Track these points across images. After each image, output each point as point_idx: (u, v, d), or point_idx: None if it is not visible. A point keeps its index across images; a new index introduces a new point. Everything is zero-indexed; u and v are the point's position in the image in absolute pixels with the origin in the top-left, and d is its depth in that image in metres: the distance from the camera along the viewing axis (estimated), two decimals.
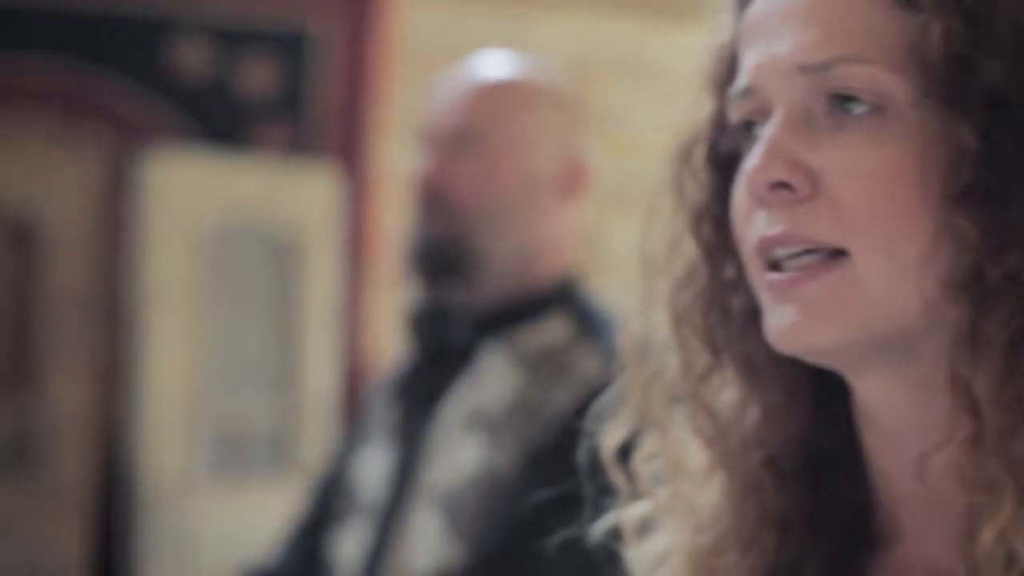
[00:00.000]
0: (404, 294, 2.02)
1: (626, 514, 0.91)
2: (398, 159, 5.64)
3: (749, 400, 0.87)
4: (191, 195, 5.09)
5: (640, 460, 0.91)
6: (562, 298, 1.90)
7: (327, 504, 1.98)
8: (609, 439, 0.90)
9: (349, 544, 1.89)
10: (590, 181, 1.93)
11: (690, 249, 0.87)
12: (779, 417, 0.86)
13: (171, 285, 5.04)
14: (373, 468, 1.90)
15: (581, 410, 1.68)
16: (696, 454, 0.88)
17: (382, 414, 1.96)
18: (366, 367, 5.56)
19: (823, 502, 0.86)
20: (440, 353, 1.93)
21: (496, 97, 1.93)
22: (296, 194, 5.38)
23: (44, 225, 5.19)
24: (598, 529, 0.93)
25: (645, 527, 0.91)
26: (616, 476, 0.92)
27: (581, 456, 0.96)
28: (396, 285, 5.59)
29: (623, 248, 4.71)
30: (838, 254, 0.79)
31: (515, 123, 1.91)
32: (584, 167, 1.92)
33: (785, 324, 0.80)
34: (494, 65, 2.00)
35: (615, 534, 0.92)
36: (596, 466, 0.95)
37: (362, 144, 5.60)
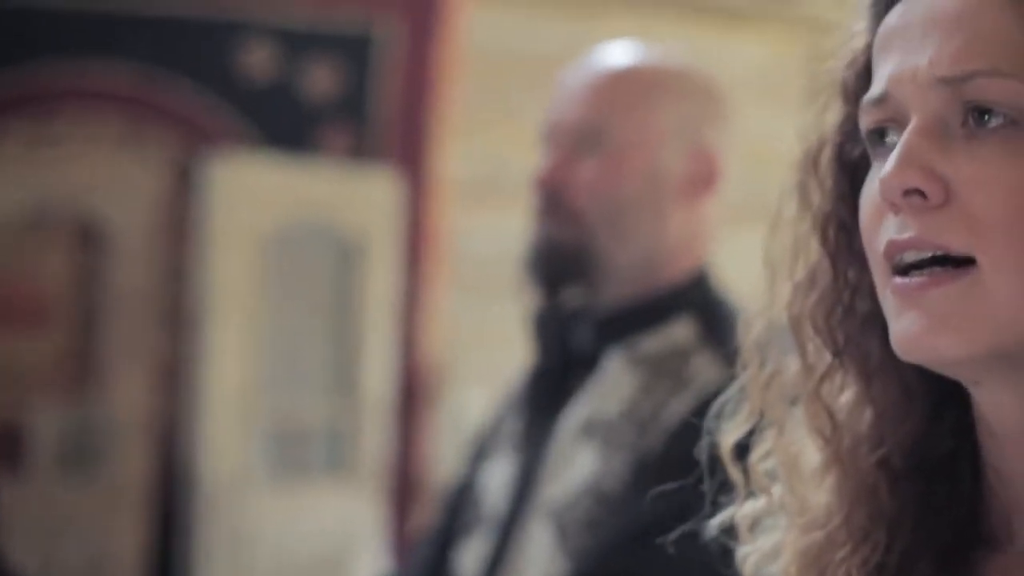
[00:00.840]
0: (527, 301, 1.89)
1: (741, 511, 0.93)
2: (459, 162, 5.66)
3: (866, 401, 0.88)
4: (254, 198, 5.12)
5: (756, 458, 0.93)
6: (689, 301, 1.79)
7: (455, 516, 1.92)
8: (727, 437, 0.92)
9: (470, 557, 1.83)
10: (723, 175, 1.80)
11: (814, 252, 0.88)
12: (895, 418, 0.87)
13: (233, 287, 5.08)
14: (496, 479, 1.83)
15: (695, 419, 1.66)
16: (811, 453, 0.89)
17: (509, 424, 1.88)
18: (424, 369, 5.59)
19: (934, 502, 0.87)
20: (563, 360, 1.83)
21: (617, 90, 1.79)
22: (358, 197, 5.40)
23: (110, 227, 5.24)
24: (714, 525, 0.96)
25: (758, 525, 0.93)
26: (733, 473, 0.94)
27: (699, 454, 0.97)
28: (451, 289, 5.62)
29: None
30: (966, 263, 0.80)
31: (639, 118, 1.78)
32: (716, 161, 1.80)
33: (912, 331, 0.81)
34: (617, 55, 1.86)
35: (729, 531, 0.95)
36: (714, 465, 0.96)
37: (424, 147, 5.61)
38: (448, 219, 5.68)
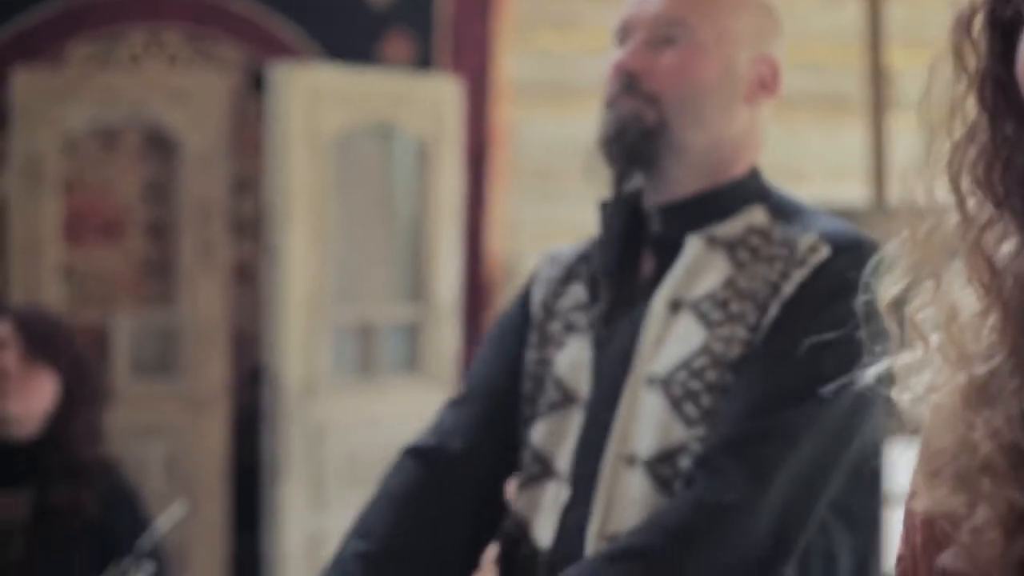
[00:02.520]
0: (597, 189, 1.96)
1: (900, 360, 0.97)
2: (520, 66, 5.72)
3: None
4: (321, 105, 5.16)
5: (914, 309, 0.94)
6: (756, 192, 1.91)
7: (514, 396, 1.98)
8: (887, 289, 0.95)
9: (558, 434, 1.91)
10: (781, 83, 1.92)
11: (971, 110, 0.90)
12: None
13: (302, 193, 5.14)
14: (576, 361, 1.92)
15: (800, 287, 1.78)
16: (970, 303, 0.91)
17: (569, 309, 1.96)
18: (490, 268, 5.68)
19: None
20: (633, 249, 1.93)
21: None
22: (421, 102, 5.43)
23: (180, 137, 5.30)
24: (871, 374, 0.99)
25: (913, 372, 0.96)
26: (891, 324, 0.97)
27: (857, 307, 1.03)
28: (514, 191, 5.69)
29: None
30: None
31: (718, 19, 1.89)
32: (777, 69, 1.92)
33: None
34: None
35: (885, 381, 0.98)
36: (869, 318, 1.02)
37: (485, 52, 5.65)
38: (509, 122, 5.74)
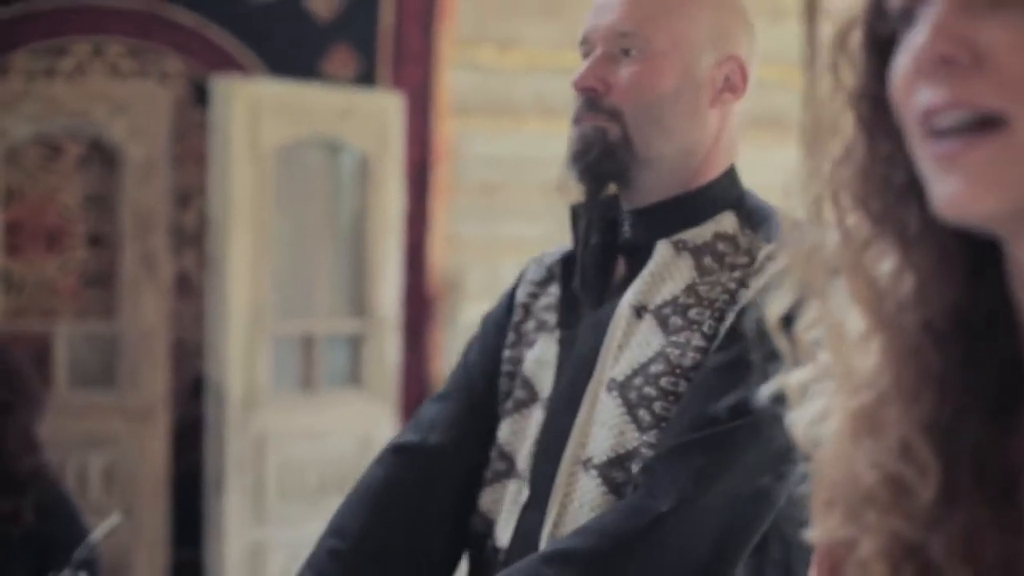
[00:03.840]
0: (573, 197, 1.96)
1: (789, 379, 0.95)
2: (462, 83, 5.74)
3: (906, 268, 0.89)
4: (262, 119, 5.17)
5: (802, 327, 0.94)
6: (727, 197, 1.90)
7: (487, 393, 2.00)
8: (774, 308, 0.94)
9: (522, 431, 1.93)
10: (749, 82, 1.90)
11: (848, 127, 0.90)
12: (935, 282, 0.89)
13: (243, 206, 5.15)
14: (543, 361, 1.93)
15: (756, 296, 1.76)
16: (855, 321, 0.91)
17: (542, 312, 1.99)
18: (432, 283, 5.70)
19: (978, 360, 0.89)
20: (607, 253, 1.93)
21: (656, 1, 1.90)
22: (364, 118, 5.45)
23: (123, 148, 5.30)
24: (764, 394, 0.99)
25: (806, 391, 0.95)
26: (780, 342, 0.96)
27: (748, 327, 1.02)
28: (455, 207, 5.71)
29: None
30: (999, 124, 0.83)
31: (675, 26, 1.88)
32: (746, 69, 1.90)
33: (952, 193, 0.83)
34: None
35: (780, 399, 0.97)
36: (762, 336, 1.00)
37: (427, 68, 5.67)
38: (451, 138, 5.77)
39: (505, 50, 5.75)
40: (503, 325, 2.03)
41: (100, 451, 5.16)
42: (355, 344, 5.50)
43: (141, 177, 5.29)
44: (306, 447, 5.24)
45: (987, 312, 0.89)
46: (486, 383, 2.01)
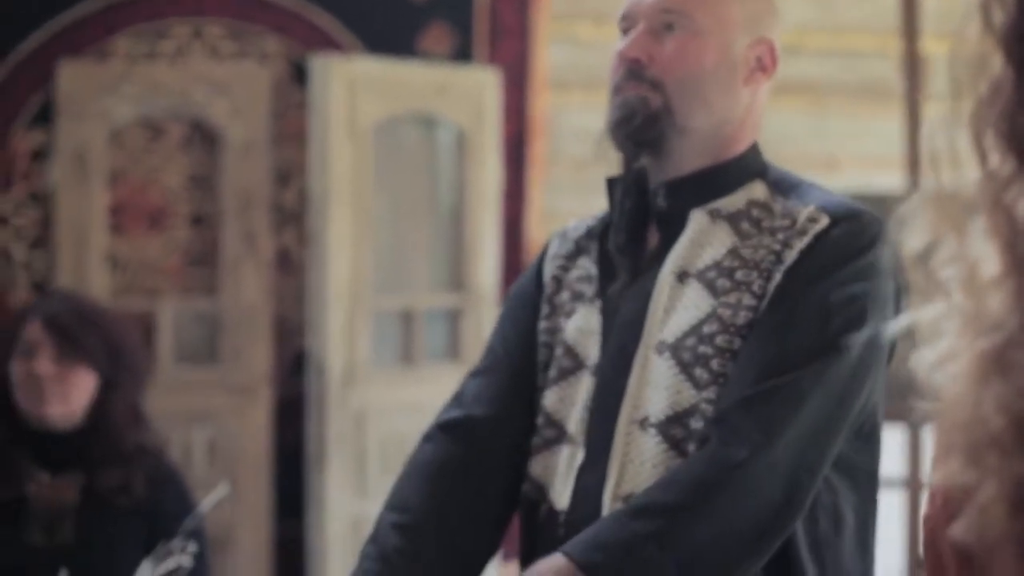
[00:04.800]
0: (609, 167, 2.06)
1: (920, 314, 0.94)
2: (557, 58, 5.76)
3: None
4: (360, 97, 5.21)
5: (936, 264, 0.93)
6: (756, 168, 2.01)
7: (526, 363, 2.08)
8: (911, 241, 0.93)
9: (570, 397, 2.01)
10: (777, 65, 2.03)
11: (996, 66, 0.90)
12: None
13: (343, 184, 5.19)
14: (585, 329, 2.02)
15: (802, 254, 1.88)
16: (990, 260, 0.90)
17: (576, 282, 2.07)
18: (528, 256, 5.72)
19: None
20: (639, 224, 2.02)
21: None
22: (461, 94, 5.48)
23: (224, 128, 5.36)
24: (893, 328, 1.02)
25: (935, 329, 0.94)
26: (915, 277, 0.96)
27: (885, 258, 1.04)
28: (551, 181, 5.73)
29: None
30: None
31: (717, 7, 1.99)
32: (775, 52, 2.02)
33: None
34: None
35: (906, 335, 0.98)
36: (894, 270, 1.04)
37: (523, 44, 5.68)
38: (547, 112, 5.78)
39: (600, 24, 5.76)
40: (534, 300, 2.11)
41: (204, 426, 5.25)
42: (454, 318, 5.54)
43: (242, 157, 5.36)
44: (406, 421, 5.27)
45: None
46: (523, 356, 2.09)
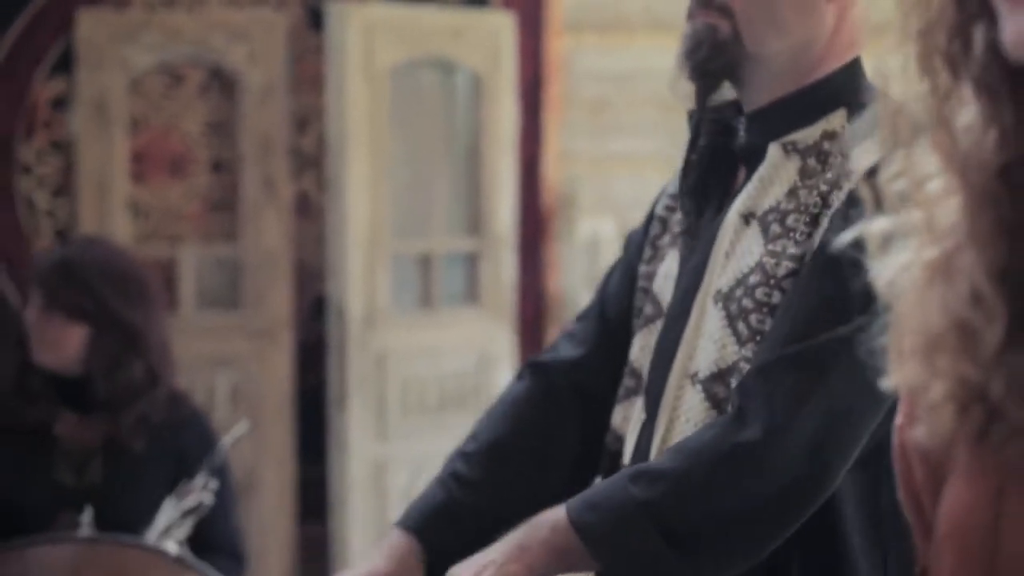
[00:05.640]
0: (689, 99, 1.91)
1: (870, 227, 0.98)
2: (572, 1, 5.75)
3: (988, 120, 0.91)
4: (376, 42, 5.23)
5: (886, 178, 0.96)
6: (844, 94, 1.80)
7: (622, 308, 2.01)
8: (861, 160, 1.00)
9: (646, 346, 1.92)
10: None
11: None
12: (1013, 134, 0.91)
13: (360, 128, 5.21)
14: (668, 274, 1.92)
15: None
16: (936, 178, 0.93)
17: (674, 222, 1.96)
18: (546, 199, 5.75)
19: None
20: (723, 156, 1.88)
21: None
22: (477, 36, 5.49)
23: (241, 74, 5.38)
24: (844, 239, 1.02)
25: (887, 242, 0.97)
26: (864, 191, 0.99)
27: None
28: (563, 124, 5.74)
29: None
30: None
31: None
32: None
33: (1019, 30, 0.86)
34: None
35: (860, 246, 1.00)
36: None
37: None
38: (563, 55, 5.79)
39: None
40: (640, 242, 2.01)
41: (226, 370, 5.30)
42: (472, 262, 5.57)
43: (260, 102, 5.38)
44: (425, 364, 5.33)
45: None
46: (620, 301, 2.01)
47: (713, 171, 1.89)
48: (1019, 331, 0.89)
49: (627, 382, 1.95)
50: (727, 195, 1.87)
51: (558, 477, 1.98)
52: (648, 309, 1.94)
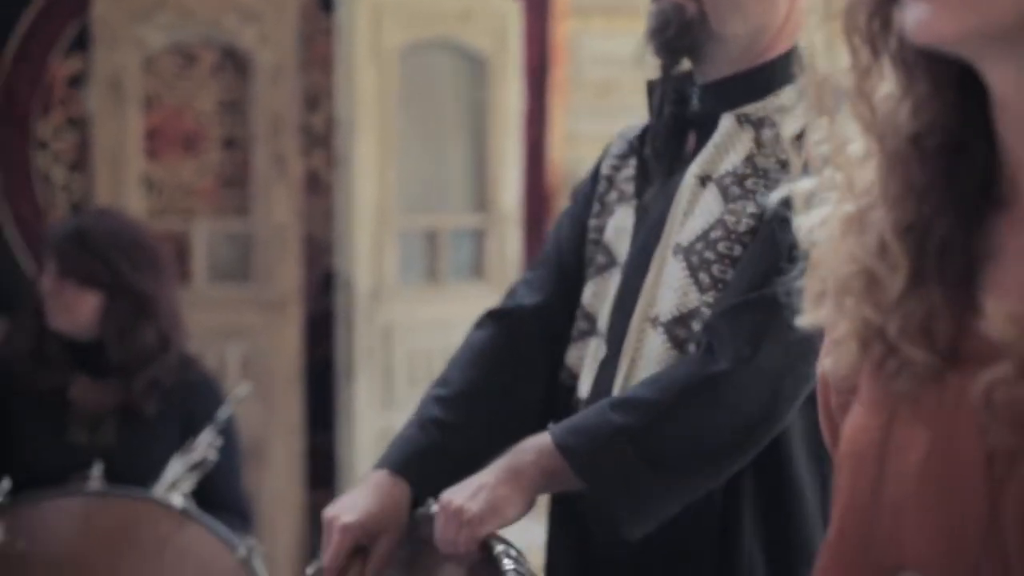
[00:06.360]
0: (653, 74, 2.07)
1: (797, 186, 1.07)
2: None
3: (902, 93, 0.99)
4: (385, 23, 5.30)
5: (811, 142, 1.05)
6: (790, 73, 1.89)
7: (574, 258, 2.16)
8: (789, 126, 1.08)
9: (602, 293, 2.08)
10: None
11: None
12: (926, 105, 0.98)
13: (369, 107, 5.28)
14: (621, 227, 2.08)
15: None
16: (857, 140, 1.01)
17: (623, 181, 2.12)
18: (551, 178, 5.81)
19: (957, 173, 0.98)
20: (680, 122, 2.04)
21: None
22: (483, 19, 5.56)
23: (252, 53, 5.44)
24: (774, 197, 1.12)
25: (811, 200, 1.06)
26: (792, 155, 1.09)
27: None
28: (573, 103, 5.79)
29: None
30: None
31: None
32: None
33: (919, 18, 0.91)
34: None
35: (788, 203, 1.10)
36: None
37: None
38: (568, 37, 5.84)
39: None
40: (588, 197, 2.18)
41: (237, 342, 5.36)
42: (478, 238, 5.64)
43: (271, 82, 5.44)
44: (431, 337, 5.38)
45: (969, 133, 0.99)
46: (573, 251, 2.17)
47: (668, 136, 2.06)
48: (917, 281, 0.98)
49: (580, 324, 2.11)
50: (677, 159, 2.04)
51: (529, 416, 2.11)
52: (600, 259, 2.10)
